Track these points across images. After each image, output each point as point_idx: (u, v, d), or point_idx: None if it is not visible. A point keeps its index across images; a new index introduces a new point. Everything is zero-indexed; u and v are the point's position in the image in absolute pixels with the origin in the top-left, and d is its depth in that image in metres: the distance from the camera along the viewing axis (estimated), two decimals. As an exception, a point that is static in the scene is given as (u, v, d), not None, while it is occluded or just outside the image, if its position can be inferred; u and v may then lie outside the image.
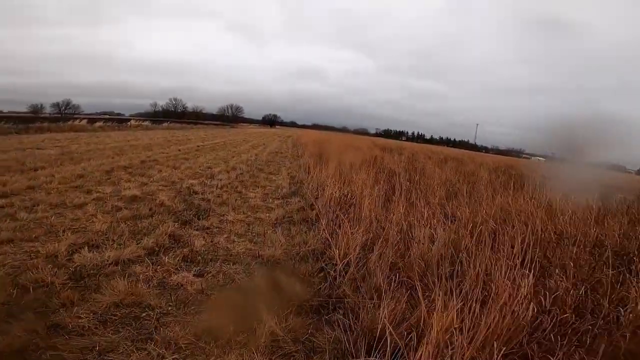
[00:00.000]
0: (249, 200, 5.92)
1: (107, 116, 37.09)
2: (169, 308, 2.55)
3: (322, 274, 3.33)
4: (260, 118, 72.36)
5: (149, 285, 2.83)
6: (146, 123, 30.19)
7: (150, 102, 58.89)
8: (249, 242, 3.99)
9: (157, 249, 3.50)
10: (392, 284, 2.84)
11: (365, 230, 3.63)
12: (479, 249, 3.56)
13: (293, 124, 75.09)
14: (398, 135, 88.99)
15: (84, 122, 20.68)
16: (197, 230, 4.20)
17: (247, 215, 5.00)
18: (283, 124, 74.50)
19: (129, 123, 26.19)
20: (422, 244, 3.40)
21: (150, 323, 2.35)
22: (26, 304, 2.38)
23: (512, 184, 6.45)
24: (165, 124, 31.44)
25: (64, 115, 33.10)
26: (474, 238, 3.62)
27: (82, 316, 2.33)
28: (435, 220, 4.06)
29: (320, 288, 3.06)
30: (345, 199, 4.52)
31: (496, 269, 3.19)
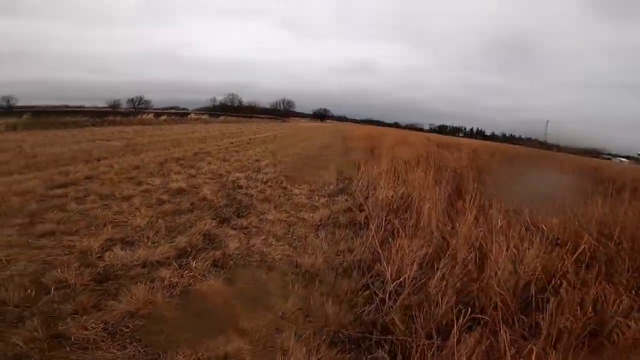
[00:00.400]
0: (293, 197, 5.51)
1: (173, 110, 39.98)
2: (186, 324, 2.19)
3: (367, 292, 2.76)
4: (311, 112, 72.85)
5: (172, 293, 2.51)
6: (205, 116, 31.83)
7: (210, 97, 62.26)
8: (287, 247, 3.55)
9: (189, 249, 3.21)
10: (461, 318, 2.18)
11: (425, 242, 2.96)
12: (579, 274, 2.71)
13: (343, 118, 74.37)
14: (455, 131, 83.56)
15: (151, 115, 22.25)
16: (234, 229, 3.87)
17: (289, 215, 4.58)
18: (333, 118, 74.08)
19: (189, 116, 27.75)
20: (501, 265, 2.65)
21: (161, 340, 1.99)
22: (40, 308, 2.18)
23: (610, 190, 5.19)
24: (221, 118, 32.86)
25: (137, 110, 36.35)
26: (573, 259, 2.77)
27: (91, 326, 2.05)
28: (514, 233, 3.24)
29: (363, 312, 2.51)
30: (400, 201, 3.86)
31: (613, 306, 2.36)
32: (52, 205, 4.11)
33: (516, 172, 9.06)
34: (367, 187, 5.59)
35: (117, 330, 2.08)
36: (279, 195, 5.45)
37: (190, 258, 3.04)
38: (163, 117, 23.24)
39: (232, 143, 12.67)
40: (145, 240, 3.35)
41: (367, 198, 4.90)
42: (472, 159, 9.63)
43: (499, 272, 2.57)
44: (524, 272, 2.55)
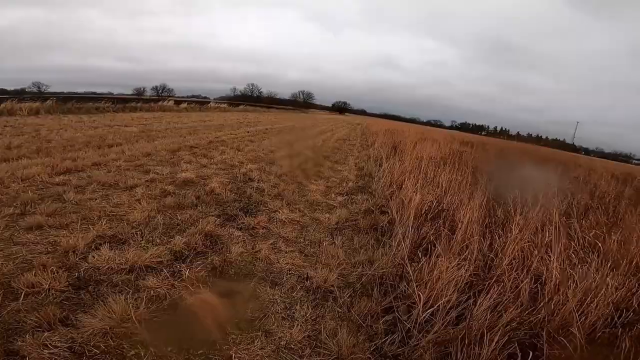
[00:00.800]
0: (307, 193, 5.04)
1: (194, 99, 40.26)
2: (166, 352, 1.77)
3: (390, 317, 2.27)
4: (330, 105, 71.90)
5: (157, 307, 2.10)
6: (224, 105, 31.73)
7: (230, 87, 62.49)
8: (298, 254, 3.10)
9: (186, 252, 2.81)
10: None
11: (464, 260, 2.43)
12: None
13: (362, 112, 73.01)
14: (477, 129, 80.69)
15: (171, 103, 22.23)
16: (240, 229, 3.45)
17: (302, 214, 4.12)
18: (352, 111, 72.89)
19: (208, 105, 27.69)
20: (564, 294, 2.10)
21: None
22: (2, 317, 1.82)
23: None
24: (241, 107, 32.67)
25: (160, 97, 36.76)
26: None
27: (53, 344, 1.67)
28: (571, 252, 2.66)
29: (384, 342, 2.04)
30: (431, 207, 3.32)
31: None
32: (49, 193, 3.81)
33: (550, 177, 8.26)
34: (390, 186, 5.05)
35: (83, 351, 1.70)
36: (293, 192, 4.99)
37: (186, 263, 2.64)
38: (183, 105, 23.20)
39: (248, 132, 12.32)
40: (139, 239, 2.98)
41: (390, 199, 4.37)
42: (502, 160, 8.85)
43: (564, 303, 2.03)
44: (597, 305, 1.99)
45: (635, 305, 2.04)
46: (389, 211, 3.90)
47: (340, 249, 3.17)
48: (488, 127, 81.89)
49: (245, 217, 3.75)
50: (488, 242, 2.85)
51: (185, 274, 2.45)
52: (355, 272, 2.80)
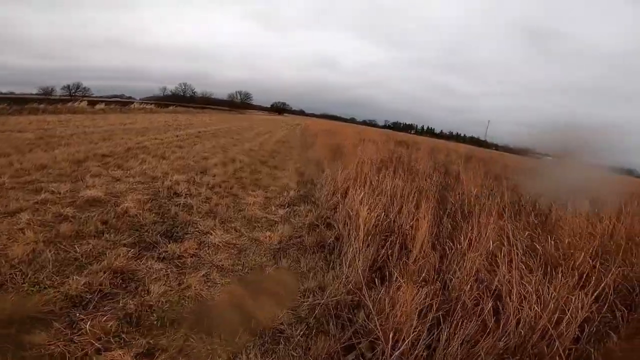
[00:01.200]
0: (245, 207, 4.51)
1: (116, 99, 36.00)
2: None
3: (352, 357, 1.94)
4: (269, 105, 70.65)
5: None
6: (151, 106, 28.86)
7: (160, 86, 57.53)
8: (237, 286, 2.60)
9: (87, 296, 2.13)
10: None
11: (423, 282, 2.20)
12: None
13: (301, 112, 73.30)
14: (407, 128, 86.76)
15: (84, 103, 19.38)
16: (161, 260, 2.81)
17: (239, 234, 3.59)
18: (292, 112, 72.71)
19: (132, 105, 24.89)
20: (527, 310, 1.96)
21: None
22: None
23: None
24: (170, 108, 30.09)
25: (73, 97, 32.04)
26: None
27: None
28: (520, 262, 2.61)
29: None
30: (380, 220, 3.06)
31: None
32: None
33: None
34: (334, 194, 4.76)
35: None
36: (228, 206, 4.40)
37: (87, 310, 1.98)
38: (99, 106, 20.39)
39: (177, 137, 11.12)
40: (21, 282, 2.20)
41: (335, 210, 4.07)
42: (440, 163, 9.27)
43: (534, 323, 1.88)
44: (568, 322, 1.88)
45: (597, 320, 1.98)
46: (335, 225, 3.59)
47: (287, 275, 2.74)
48: (416, 126, 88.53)
49: (169, 243, 3.10)
50: (439, 256, 2.69)
51: (87, 325, 1.80)
52: (306, 303, 2.41)
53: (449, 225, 3.11)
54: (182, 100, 50.29)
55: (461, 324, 1.89)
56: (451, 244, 2.81)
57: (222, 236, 3.41)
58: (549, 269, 2.49)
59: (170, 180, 5.17)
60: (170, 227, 3.48)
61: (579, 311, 1.87)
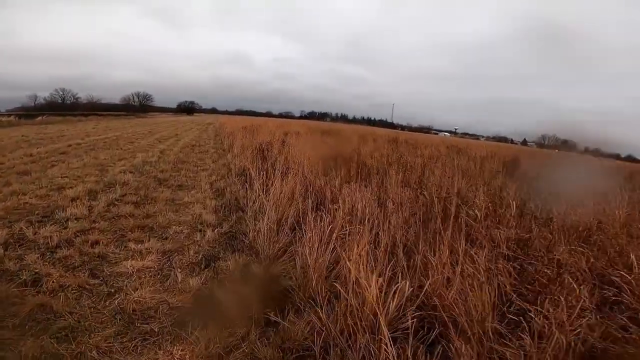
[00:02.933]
0: (119, 288, 2.29)
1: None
2: None
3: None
4: (175, 106, 62.73)
5: None
6: (10, 118, 21.96)
7: (29, 94, 45.63)
8: None
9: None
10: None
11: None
12: None
13: (214, 111, 67.37)
14: (322, 116, 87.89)
15: None
16: None
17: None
18: (202, 111, 66.17)
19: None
20: None
21: None
22: None
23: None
24: (39, 119, 23.40)
25: None
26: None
27: None
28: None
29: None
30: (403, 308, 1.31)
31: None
32: None
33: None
34: (280, 229, 2.83)
35: None
36: (80, 293, 2.13)
37: None
38: None
39: (30, 156, 7.57)
40: None
41: (293, 274, 2.17)
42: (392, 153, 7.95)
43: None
44: None
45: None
46: (318, 316, 1.70)
47: None
48: (331, 113, 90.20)
49: None
50: None
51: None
52: None
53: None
54: (61, 108, 40.93)
55: None
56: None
57: None
58: None
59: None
60: None
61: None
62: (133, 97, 53.57)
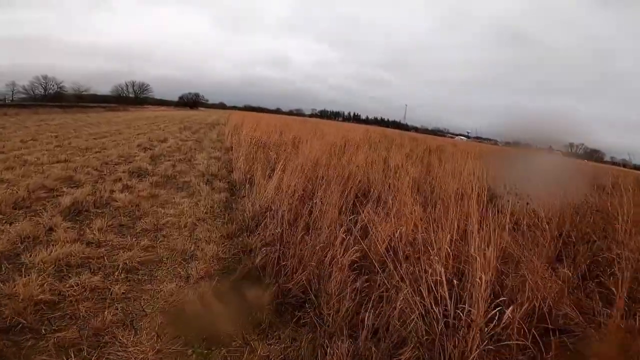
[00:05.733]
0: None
1: None
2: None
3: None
4: (177, 99, 55.83)
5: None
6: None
7: (7, 82, 39.12)
8: None
9: None
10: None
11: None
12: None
13: (222, 106, 60.59)
14: (335, 115, 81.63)
15: None
16: None
17: None
18: (209, 105, 59.40)
19: None
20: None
21: None
22: None
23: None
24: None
25: None
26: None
27: None
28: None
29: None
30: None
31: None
32: None
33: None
34: None
35: None
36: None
37: None
38: None
39: None
40: None
41: None
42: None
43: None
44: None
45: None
46: None
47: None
48: (343, 113, 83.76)
49: None
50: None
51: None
52: None
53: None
54: (41, 99, 34.57)
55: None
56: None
57: None
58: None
59: None
60: None
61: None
62: (126, 88, 46.84)
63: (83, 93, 39.30)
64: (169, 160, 6.15)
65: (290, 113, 67.77)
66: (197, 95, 57.58)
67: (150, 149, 7.08)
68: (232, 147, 7.68)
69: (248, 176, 4.46)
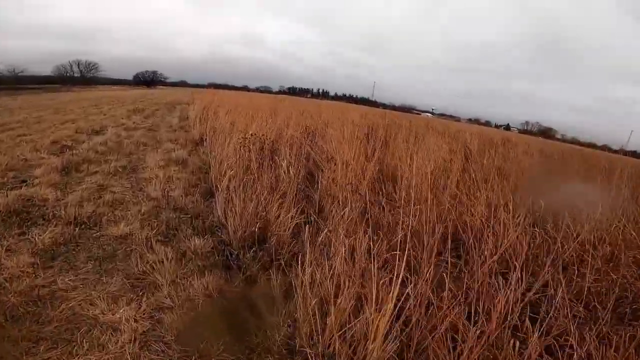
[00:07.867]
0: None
1: None
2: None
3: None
4: (131, 77, 49.43)
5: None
6: None
7: None
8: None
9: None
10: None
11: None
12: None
13: (183, 84, 54.94)
14: (303, 92, 78.41)
15: None
16: None
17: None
18: (168, 84, 53.60)
19: None
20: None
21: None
22: None
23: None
24: None
25: None
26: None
27: None
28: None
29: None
30: None
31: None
32: None
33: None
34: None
35: None
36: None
37: None
38: None
39: None
40: None
41: None
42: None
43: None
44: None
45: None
46: None
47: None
48: (312, 89, 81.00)
49: None
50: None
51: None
52: None
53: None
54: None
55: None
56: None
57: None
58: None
59: None
60: None
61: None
62: (71, 67, 40.43)
63: (19, 74, 33.16)
64: (94, 174, 3.86)
65: (257, 90, 63.60)
66: (154, 73, 51.54)
67: (71, 149, 4.76)
68: (202, 139, 5.54)
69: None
